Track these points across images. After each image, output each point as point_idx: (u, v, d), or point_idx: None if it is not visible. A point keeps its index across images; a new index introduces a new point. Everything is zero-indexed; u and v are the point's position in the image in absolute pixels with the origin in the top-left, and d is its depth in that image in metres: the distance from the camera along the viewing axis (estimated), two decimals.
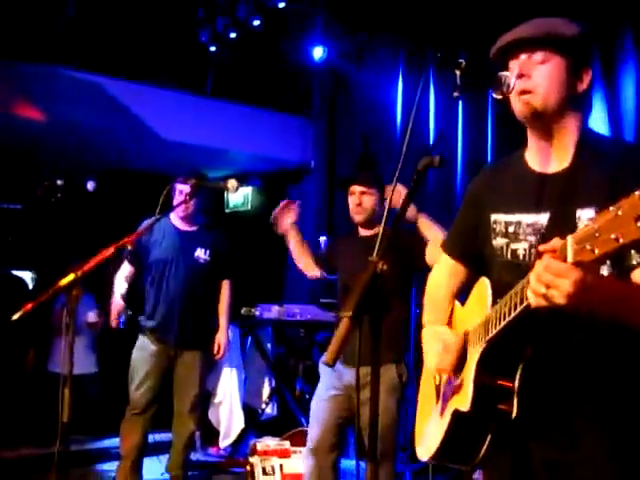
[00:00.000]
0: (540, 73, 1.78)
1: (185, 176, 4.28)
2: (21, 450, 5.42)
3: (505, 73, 1.81)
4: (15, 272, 6.62)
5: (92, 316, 5.98)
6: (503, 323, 1.65)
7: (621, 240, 1.28)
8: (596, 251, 1.34)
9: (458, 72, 1.79)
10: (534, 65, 1.79)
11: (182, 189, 4.32)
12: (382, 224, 1.65)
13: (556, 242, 1.46)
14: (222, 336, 4.57)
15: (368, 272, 1.52)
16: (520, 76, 1.79)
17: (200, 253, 4.45)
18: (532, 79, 1.78)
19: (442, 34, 5.71)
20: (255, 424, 5.70)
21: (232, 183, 3.25)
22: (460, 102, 5.49)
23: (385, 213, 1.71)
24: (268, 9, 6.57)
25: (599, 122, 4.65)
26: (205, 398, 5.64)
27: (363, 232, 3.70)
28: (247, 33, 6.95)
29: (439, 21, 5.76)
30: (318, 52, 6.92)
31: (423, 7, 5.86)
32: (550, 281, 1.44)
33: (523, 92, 1.79)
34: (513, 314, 1.60)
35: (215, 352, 4.55)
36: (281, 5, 6.46)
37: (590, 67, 1.81)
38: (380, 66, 6.54)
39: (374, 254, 1.55)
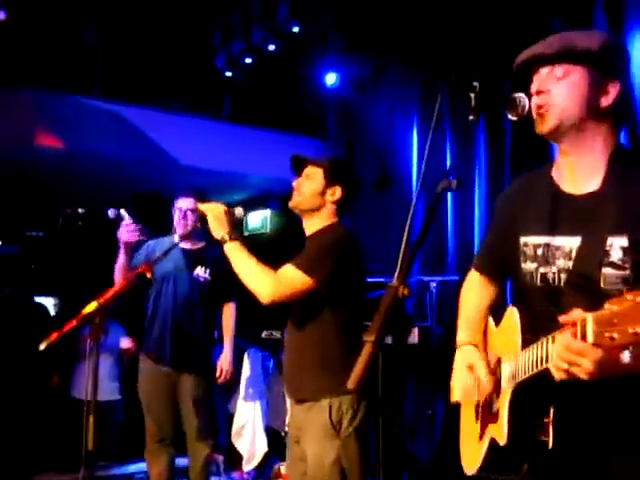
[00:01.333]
0: (558, 88, 1.75)
1: (184, 193, 4.26)
2: (47, 476, 5.45)
3: (519, 94, 1.81)
4: (38, 298, 6.67)
5: (126, 342, 6.03)
6: (530, 373, 1.65)
7: None
8: (616, 339, 1.32)
9: (473, 95, 1.79)
10: (553, 80, 1.76)
11: (180, 206, 4.26)
12: (402, 248, 1.64)
13: (577, 315, 1.44)
14: (225, 360, 4.40)
15: (389, 296, 1.52)
16: (538, 92, 1.78)
17: (200, 271, 4.31)
18: (550, 94, 1.76)
19: (456, 57, 5.75)
20: (278, 447, 5.68)
21: (239, 211, 3.06)
22: (478, 124, 5.53)
23: (405, 235, 1.67)
24: (283, 34, 6.63)
25: None
26: (228, 421, 5.66)
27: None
28: (263, 58, 7.02)
29: (453, 44, 5.80)
30: (331, 79, 6.99)
31: (437, 30, 5.91)
32: (571, 360, 1.44)
33: (539, 107, 1.77)
34: (540, 368, 1.60)
35: (217, 376, 4.39)
36: (295, 29, 6.52)
37: (618, 80, 1.75)
38: (395, 89, 6.58)
39: (394, 278, 1.55)
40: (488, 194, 5.63)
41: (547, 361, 1.55)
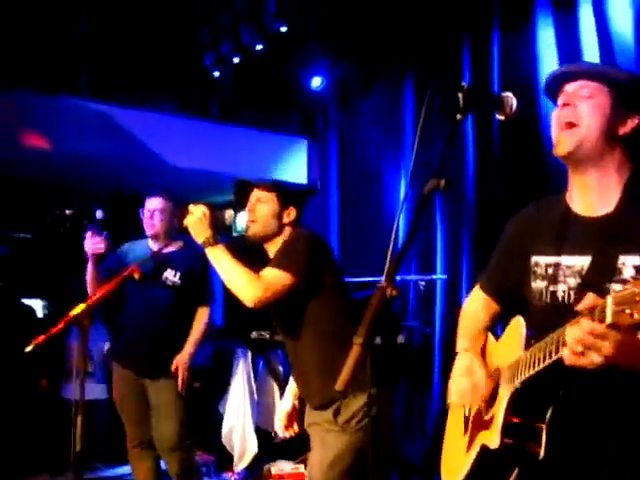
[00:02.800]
0: (585, 105, 1.78)
1: (152, 193, 4.19)
2: (37, 478, 5.42)
3: (508, 94, 1.82)
4: (25, 300, 6.63)
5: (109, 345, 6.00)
6: (536, 368, 1.64)
7: None
8: (635, 316, 1.33)
9: (460, 95, 1.79)
10: (580, 98, 1.80)
11: (148, 206, 4.15)
12: (390, 248, 1.64)
13: (593, 300, 1.46)
14: (181, 358, 4.06)
15: (377, 297, 1.52)
16: (564, 105, 1.81)
17: (169, 275, 4.09)
18: (577, 109, 1.79)
19: (444, 57, 5.77)
20: (269, 447, 5.68)
21: (229, 214, 3.00)
22: (468, 123, 5.55)
23: (393, 235, 1.68)
24: (271, 34, 6.62)
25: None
26: (218, 422, 5.64)
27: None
28: (251, 57, 7.01)
29: (441, 45, 5.83)
30: (316, 82, 7.01)
31: (425, 32, 5.93)
32: (590, 343, 1.45)
33: (567, 125, 1.79)
34: (547, 361, 1.60)
35: (173, 371, 4.03)
36: (283, 29, 6.51)
37: (637, 115, 1.80)
38: (385, 87, 6.60)
39: (383, 279, 1.55)
40: (476, 192, 5.63)
41: (557, 351, 1.55)
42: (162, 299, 4.08)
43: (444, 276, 5.82)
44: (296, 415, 3.16)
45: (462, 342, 2.12)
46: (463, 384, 1.97)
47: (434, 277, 5.86)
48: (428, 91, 1.90)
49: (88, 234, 3.79)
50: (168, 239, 4.14)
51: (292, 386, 3.20)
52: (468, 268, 5.56)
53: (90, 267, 3.97)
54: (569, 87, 1.83)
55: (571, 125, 1.79)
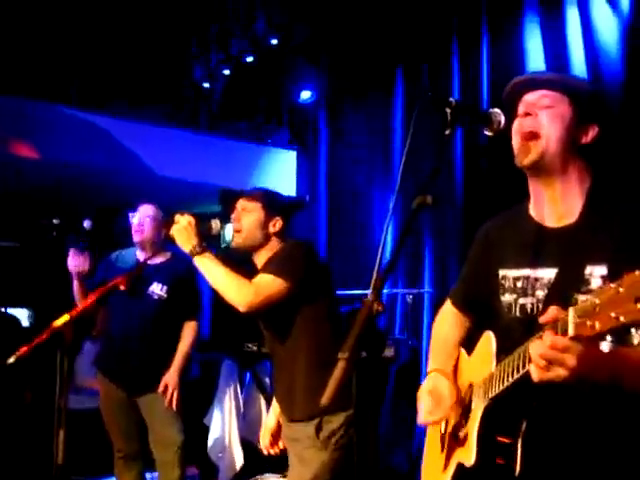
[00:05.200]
0: (546, 115, 1.78)
1: (145, 201, 4.13)
2: None
3: (496, 110, 1.83)
4: (11, 310, 6.60)
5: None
6: (506, 384, 1.64)
7: (622, 319, 1.28)
8: (597, 327, 1.33)
9: (449, 110, 1.80)
10: (541, 108, 1.79)
11: (139, 213, 4.07)
12: (377, 263, 1.63)
13: (556, 312, 1.46)
14: (170, 377, 3.96)
15: (363, 312, 1.51)
16: (525, 115, 1.80)
17: (156, 288, 3.99)
18: (537, 119, 1.78)
19: (433, 71, 5.81)
20: (255, 460, 5.64)
21: (215, 223, 2.91)
22: (456, 138, 5.58)
23: (380, 249, 1.65)
24: (261, 46, 6.64)
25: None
26: (204, 433, 5.60)
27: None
28: (240, 69, 7.02)
29: (431, 58, 5.87)
30: (305, 95, 7.04)
31: (415, 46, 5.97)
32: (553, 357, 1.44)
33: (528, 135, 1.79)
34: (516, 375, 1.60)
35: (161, 391, 3.93)
36: (274, 42, 6.53)
37: (598, 125, 1.80)
38: (374, 100, 6.62)
39: (369, 293, 1.54)
40: (464, 206, 5.65)
41: (524, 366, 1.55)
42: (148, 312, 3.98)
43: (431, 290, 5.83)
44: (279, 433, 3.13)
45: (432, 363, 2.11)
46: (427, 402, 1.97)
47: (421, 291, 5.86)
48: (416, 106, 1.90)
49: (70, 253, 3.73)
50: (155, 249, 4.04)
51: (276, 404, 3.18)
52: (455, 282, 5.56)
53: (76, 284, 3.93)
54: (529, 97, 1.82)
55: (533, 135, 1.78)
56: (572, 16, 4.87)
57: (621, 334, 1.38)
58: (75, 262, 3.78)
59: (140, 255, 4.11)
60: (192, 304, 4.15)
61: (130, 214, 4.16)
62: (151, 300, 3.99)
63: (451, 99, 1.80)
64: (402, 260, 5.99)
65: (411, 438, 5.27)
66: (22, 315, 7.16)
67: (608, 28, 4.64)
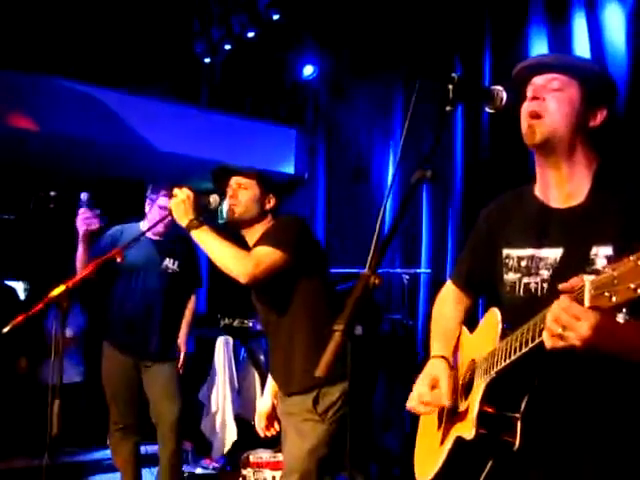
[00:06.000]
0: (554, 98, 1.78)
1: (165, 188, 4.10)
2: (13, 462, 5.39)
3: (498, 87, 1.82)
4: (7, 282, 6.59)
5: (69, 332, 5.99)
6: (513, 357, 1.65)
7: (639, 291, 1.30)
8: (614, 299, 1.34)
9: (450, 86, 1.79)
10: (549, 91, 1.79)
11: (164, 204, 4.05)
12: (375, 237, 1.63)
13: (575, 281, 1.47)
14: (182, 346, 4.40)
15: (360, 285, 1.51)
16: (533, 98, 1.80)
17: (169, 263, 4.27)
18: (545, 102, 1.78)
19: (435, 48, 5.75)
20: (248, 436, 5.67)
21: (214, 198, 2.98)
22: (457, 117, 5.55)
23: (378, 224, 1.65)
24: (263, 21, 6.59)
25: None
26: (198, 409, 5.63)
27: None
28: (242, 45, 6.97)
29: (433, 35, 5.81)
30: (308, 70, 6.98)
31: (416, 22, 5.91)
32: (567, 323, 1.45)
33: (532, 115, 1.79)
34: (524, 349, 1.60)
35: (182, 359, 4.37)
36: (275, 17, 6.48)
37: (607, 108, 1.81)
38: (375, 79, 6.57)
39: (366, 267, 1.53)
40: (463, 187, 5.64)
41: (534, 339, 1.55)
42: (164, 286, 4.25)
43: (428, 270, 5.83)
44: (275, 414, 3.14)
45: (435, 345, 2.10)
46: (421, 389, 1.96)
47: (418, 271, 5.86)
48: (417, 82, 1.89)
49: (81, 210, 3.72)
50: (169, 230, 4.22)
51: (271, 384, 3.19)
52: (452, 263, 5.57)
53: (81, 246, 3.91)
54: (538, 79, 1.82)
55: (536, 115, 1.78)
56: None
57: (638, 305, 1.40)
58: (85, 217, 3.75)
59: (151, 234, 4.21)
60: (198, 278, 4.50)
61: (152, 194, 4.25)
62: (166, 274, 4.27)
63: (453, 74, 1.78)
64: (400, 240, 5.98)
65: (403, 418, 5.29)
66: (19, 288, 7.16)
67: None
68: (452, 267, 5.64)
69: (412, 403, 2.00)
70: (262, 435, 3.24)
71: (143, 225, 4.26)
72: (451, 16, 5.66)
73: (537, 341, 1.55)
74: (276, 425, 3.17)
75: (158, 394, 4.25)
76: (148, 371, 4.26)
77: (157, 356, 4.25)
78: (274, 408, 3.16)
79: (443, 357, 2.03)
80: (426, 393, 1.95)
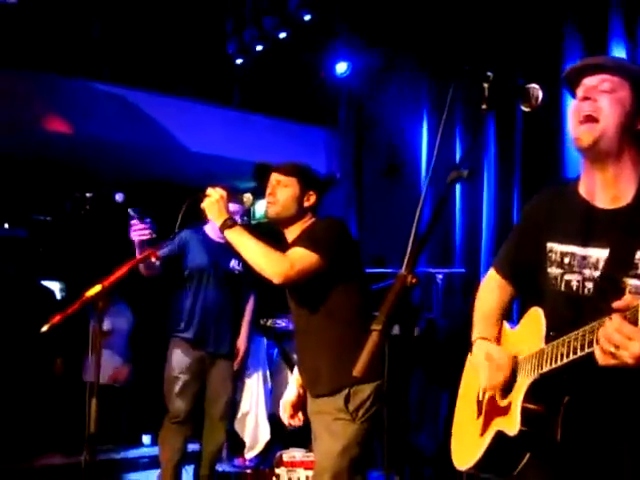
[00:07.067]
0: (606, 100, 1.78)
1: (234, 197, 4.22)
2: (51, 459, 5.47)
3: (533, 85, 1.81)
4: (44, 283, 6.68)
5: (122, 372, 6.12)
6: (559, 363, 1.66)
7: None
8: None
9: (486, 85, 1.78)
10: (601, 92, 1.79)
11: (236, 210, 4.07)
12: (412, 234, 1.62)
13: (630, 300, 1.48)
14: (242, 344, 4.67)
15: (397, 285, 1.51)
16: (585, 98, 1.80)
17: (234, 264, 4.49)
18: (597, 103, 1.78)
19: (468, 47, 5.71)
20: (281, 435, 5.68)
21: (247, 197, 3.05)
22: (489, 116, 5.49)
23: (415, 224, 1.65)
24: (295, 22, 6.59)
25: None
26: (232, 409, 5.66)
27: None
28: (274, 45, 6.98)
29: (465, 34, 5.76)
30: (342, 67, 6.95)
31: (449, 20, 5.87)
32: (620, 342, 1.47)
33: (587, 119, 1.78)
34: (572, 357, 1.62)
35: (241, 355, 4.66)
36: (307, 18, 6.48)
37: None
38: (406, 78, 6.55)
39: (403, 267, 1.53)
40: (497, 187, 5.59)
41: (583, 349, 1.57)
42: (231, 285, 4.52)
43: (462, 270, 5.80)
44: (300, 404, 3.14)
45: (478, 330, 2.10)
46: (485, 369, 1.94)
47: (453, 271, 5.83)
48: (452, 82, 1.88)
49: (132, 222, 3.82)
50: None
51: (296, 375, 3.19)
52: (486, 263, 5.53)
53: (138, 253, 3.96)
54: (589, 80, 1.82)
55: (591, 119, 1.78)
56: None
57: None
58: (137, 229, 3.80)
59: (215, 237, 4.42)
60: (255, 277, 4.41)
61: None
62: (233, 274, 4.53)
63: (488, 73, 1.78)
64: (434, 240, 5.96)
65: (437, 419, 5.26)
66: (55, 288, 7.24)
67: None
68: (493, 259, 5.55)
69: (484, 384, 1.95)
70: (287, 424, 3.21)
71: (207, 229, 4.48)
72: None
73: (586, 351, 1.56)
74: (300, 415, 3.16)
75: (215, 389, 4.51)
76: (213, 368, 4.50)
77: (227, 353, 4.54)
78: (299, 397, 3.15)
79: (486, 338, 2.03)
80: (493, 371, 1.92)
